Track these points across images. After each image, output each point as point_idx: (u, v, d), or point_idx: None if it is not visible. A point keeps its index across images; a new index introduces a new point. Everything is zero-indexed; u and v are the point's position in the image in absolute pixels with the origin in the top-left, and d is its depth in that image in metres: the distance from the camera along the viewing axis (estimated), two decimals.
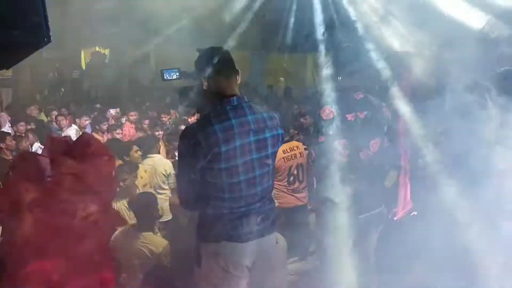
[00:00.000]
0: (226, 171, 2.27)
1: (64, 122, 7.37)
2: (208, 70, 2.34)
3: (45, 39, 1.56)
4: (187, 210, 2.84)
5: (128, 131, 7.42)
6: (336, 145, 4.58)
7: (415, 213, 3.92)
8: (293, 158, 4.92)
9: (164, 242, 3.55)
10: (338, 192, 4.00)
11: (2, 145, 5.03)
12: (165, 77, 2.64)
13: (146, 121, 7.53)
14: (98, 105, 9.39)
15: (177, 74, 2.62)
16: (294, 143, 5.03)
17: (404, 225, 3.82)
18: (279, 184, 4.86)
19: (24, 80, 10.73)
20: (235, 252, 2.32)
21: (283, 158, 4.86)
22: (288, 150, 4.92)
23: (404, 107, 3.74)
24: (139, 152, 5.19)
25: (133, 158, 5.14)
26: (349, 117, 4.20)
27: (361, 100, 3.55)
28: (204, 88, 2.36)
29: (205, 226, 2.38)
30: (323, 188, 3.99)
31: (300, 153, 4.94)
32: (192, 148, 2.24)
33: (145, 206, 3.66)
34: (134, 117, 7.94)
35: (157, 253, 3.42)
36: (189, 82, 2.49)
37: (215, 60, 2.35)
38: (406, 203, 3.99)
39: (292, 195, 4.97)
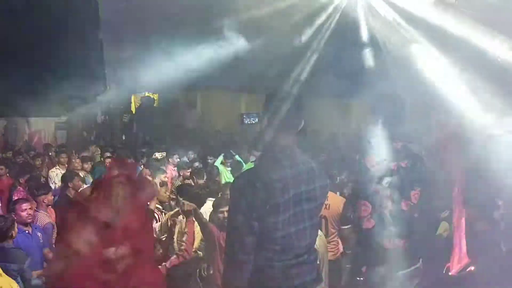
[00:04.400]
0: (280, 222, 2.15)
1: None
2: (274, 114, 2.22)
3: (103, 88, 1.59)
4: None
5: (170, 173, 7.40)
6: (384, 195, 4.40)
7: (472, 268, 3.65)
8: None
9: None
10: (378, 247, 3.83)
11: (70, 185, 5.54)
12: (245, 121, 2.57)
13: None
14: (144, 149, 9.59)
15: (257, 118, 2.52)
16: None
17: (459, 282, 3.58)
18: None
19: (77, 123, 11.20)
20: None
21: None
22: None
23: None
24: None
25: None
26: (393, 166, 4.06)
27: (401, 149, 3.47)
28: (263, 127, 2.26)
29: (256, 279, 2.26)
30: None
31: (327, 205, 4.38)
32: (249, 197, 2.10)
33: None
34: (177, 160, 7.95)
35: None
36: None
37: (284, 105, 2.22)
38: (461, 257, 3.73)
39: None
